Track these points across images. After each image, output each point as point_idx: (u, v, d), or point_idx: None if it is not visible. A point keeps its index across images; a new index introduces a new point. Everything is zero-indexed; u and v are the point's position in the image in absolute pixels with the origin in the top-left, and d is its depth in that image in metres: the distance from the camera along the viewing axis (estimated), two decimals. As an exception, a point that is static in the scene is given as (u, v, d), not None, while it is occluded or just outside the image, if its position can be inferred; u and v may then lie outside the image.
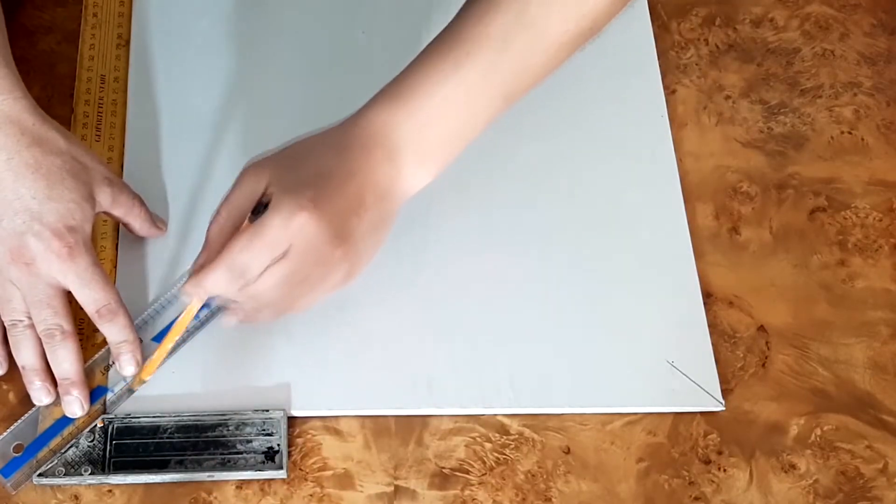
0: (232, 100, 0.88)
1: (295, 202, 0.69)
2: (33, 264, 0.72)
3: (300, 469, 0.74)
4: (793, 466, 0.76)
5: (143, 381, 0.75)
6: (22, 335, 0.74)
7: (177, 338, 0.75)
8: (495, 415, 0.77)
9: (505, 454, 0.76)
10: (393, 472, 0.75)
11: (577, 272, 0.82)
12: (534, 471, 0.75)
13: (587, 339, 0.79)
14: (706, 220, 0.86)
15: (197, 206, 0.83)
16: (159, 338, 0.76)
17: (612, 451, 0.76)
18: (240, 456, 0.74)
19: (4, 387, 0.76)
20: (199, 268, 0.71)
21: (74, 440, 0.73)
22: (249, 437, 0.74)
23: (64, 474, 0.72)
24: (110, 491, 0.73)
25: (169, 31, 0.91)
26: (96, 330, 0.75)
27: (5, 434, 0.73)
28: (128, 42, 0.90)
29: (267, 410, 0.75)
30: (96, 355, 0.76)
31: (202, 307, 0.73)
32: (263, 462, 0.74)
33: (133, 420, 0.74)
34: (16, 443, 0.73)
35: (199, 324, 0.77)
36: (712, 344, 0.80)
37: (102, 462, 0.73)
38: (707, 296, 0.82)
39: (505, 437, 0.76)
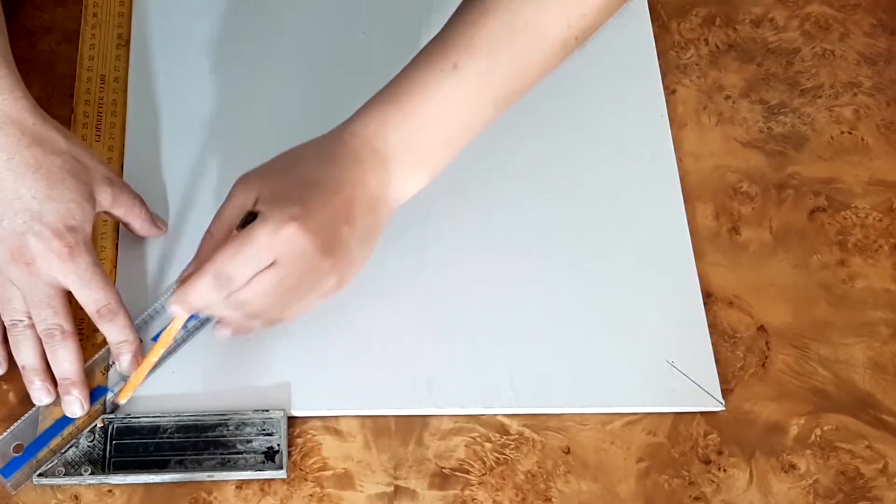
0: (232, 100, 0.88)
1: (283, 213, 0.68)
2: (33, 264, 0.72)
3: (300, 469, 0.74)
4: (793, 466, 0.76)
5: (126, 397, 0.75)
6: (22, 335, 0.74)
7: (162, 351, 0.75)
8: (495, 415, 0.77)
9: (505, 454, 0.76)
10: (393, 472, 0.75)
11: (577, 272, 0.82)
12: (534, 471, 0.75)
13: (587, 339, 0.79)
14: (706, 220, 0.86)
15: (197, 206, 0.83)
16: (159, 338, 0.76)
17: (612, 451, 0.76)
18: (240, 456, 0.74)
19: (4, 387, 0.76)
20: (185, 279, 0.71)
21: (74, 440, 0.73)
22: (249, 437, 0.74)
23: (64, 474, 0.72)
24: (110, 491, 0.73)
25: (169, 31, 0.91)
26: (96, 330, 0.75)
27: (5, 434, 0.73)
28: (128, 42, 0.90)
29: (267, 410, 0.75)
30: (96, 355, 0.76)
31: (190, 318, 0.73)
32: (263, 462, 0.74)
33: (133, 420, 0.74)
34: (16, 443, 0.73)
35: (186, 335, 0.77)
36: (712, 344, 0.80)
37: (102, 462, 0.73)
38: (707, 296, 0.82)
39: (505, 437, 0.76)
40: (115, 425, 0.74)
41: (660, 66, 0.92)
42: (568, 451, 0.76)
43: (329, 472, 0.74)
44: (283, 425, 0.74)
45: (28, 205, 0.72)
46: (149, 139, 0.86)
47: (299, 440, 0.75)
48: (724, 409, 0.78)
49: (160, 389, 0.76)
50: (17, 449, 0.73)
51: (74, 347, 0.74)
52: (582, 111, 0.89)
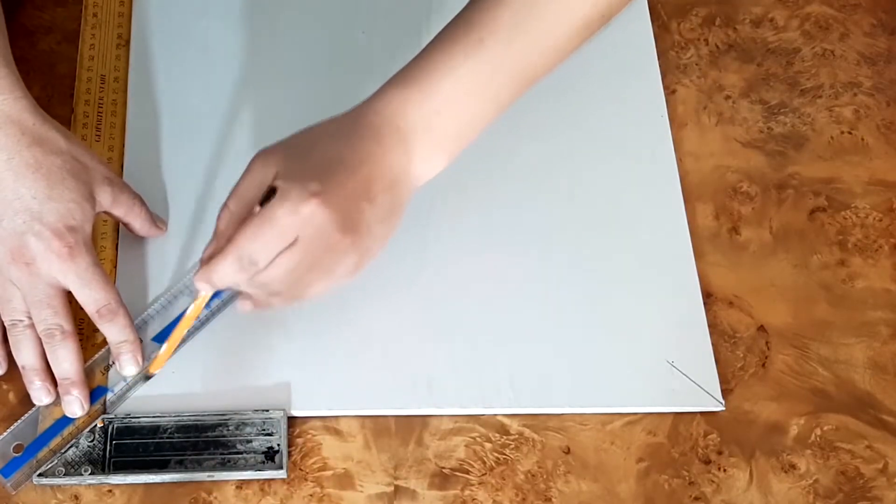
0: (232, 100, 0.88)
1: (303, 191, 0.68)
2: (33, 264, 0.72)
3: (300, 469, 0.74)
4: (793, 466, 0.76)
5: (151, 375, 0.75)
6: (22, 335, 0.74)
7: (187, 329, 0.75)
8: (495, 415, 0.77)
9: (505, 454, 0.76)
10: (393, 472, 0.75)
11: (577, 272, 0.82)
12: (534, 471, 0.75)
13: (587, 339, 0.79)
14: (706, 220, 0.86)
15: (197, 206, 0.83)
16: (159, 338, 0.76)
17: (612, 451, 0.76)
18: (240, 456, 0.74)
19: (4, 387, 0.76)
20: (209, 258, 0.70)
21: (74, 440, 0.73)
22: (249, 437, 0.74)
23: (64, 474, 0.72)
24: (110, 491, 0.73)
25: (169, 31, 0.92)
26: (96, 330, 0.75)
27: (5, 434, 0.73)
28: (128, 42, 0.91)
29: (267, 410, 0.75)
30: (96, 355, 0.76)
31: (212, 297, 0.73)
32: (263, 462, 0.74)
33: (133, 420, 0.74)
34: (16, 443, 0.73)
35: (210, 314, 0.77)
36: (712, 344, 0.80)
37: (102, 462, 0.73)
38: (707, 296, 0.82)
39: (505, 437, 0.76)
40: (115, 425, 0.74)
41: (660, 66, 0.92)
42: (568, 451, 0.76)
43: (329, 472, 0.74)
44: (283, 425, 0.74)
45: (28, 205, 0.72)
46: (149, 139, 0.86)
47: (299, 440, 0.75)
48: (724, 409, 0.78)
49: (160, 389, 0.76)
50: (17, 449, 0.73)
51: (74, 347, 0.74)
52: (582, 111, 0.89)
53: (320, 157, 0.70)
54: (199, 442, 0.74)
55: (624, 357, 0.79)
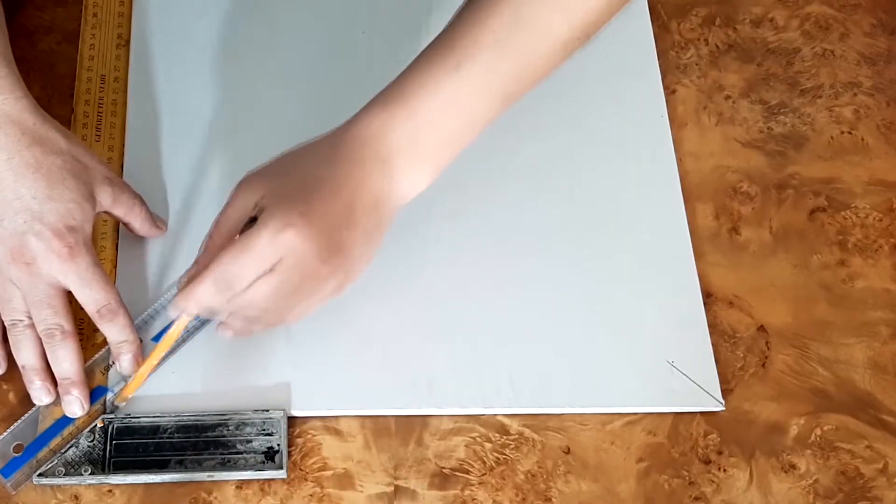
0: (232, 100, 0.88)
1: (284, 216, 0.68)
2: (34, 264, 0.72)
3: (300, 469, 0.74)
4: (793, 466, 0.76)
5: (126, 399, 0.75)
6: (22, 335, 0.74)
7: (163, 353, 0.75)
8: (495, 415, 0.77)
9: (505, 454, 0.76)
10: (393, 472, 0.75)
11: (577, 272, 0.82)
12: (534, 471, 0.75)
13: (587, 339, 0.79)
14: (706, 220, 0.86)
15: (197, 206, 0.83)
16: (159, 338, 0.76)
17: (612, 451, 0.76)
18: (240, 456, 0.74)
19: (4, 387, 0.76)
20: (186, 283, 0.71)
21: (74, 440, 0.73)
22: (249, 437, 0.74)
23: (64, 474, 0.72)
24: (110, 491, 0.73)
25: (169, 31, 0.91)
26: (96, 330, 0.75)
27: (5, 434, 0.73)
28: (128, 42, 0.90)
29: (267, 410, 0.75)
30: (96, 355, 0.76)
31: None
32: (263, 462, 0.74)
33: (133, 420, 0.74)
34: (16, 443, 0.73)
35: (186, 335, 0.77)
36: (712, 344, 0.80)
37: (102, 462, 0.73)
38: (707, 296, 0.82)
39: (505, 437, 0.76)
40: (115, 425, 0.74)
41: (660, 66, 0.92)
42: (568, 451, 0.76)
43: (329, 472, 0.74)
44: (283, 425, 0.74)
45: (28, 205, 0.72)
46: (149, 139, 0.86)
47: (299, 440, 0.75)
48: (724, 409, 0.78)
49: (160, 389, 0.76)
50: (17, 449, 0.73)
51: (74, 347, 0.74)
52: (582, 111, 0.89)
53: (301, 182, 0.71)
54: (199, 442, 0.74)
55: (624, 357, 0.79)
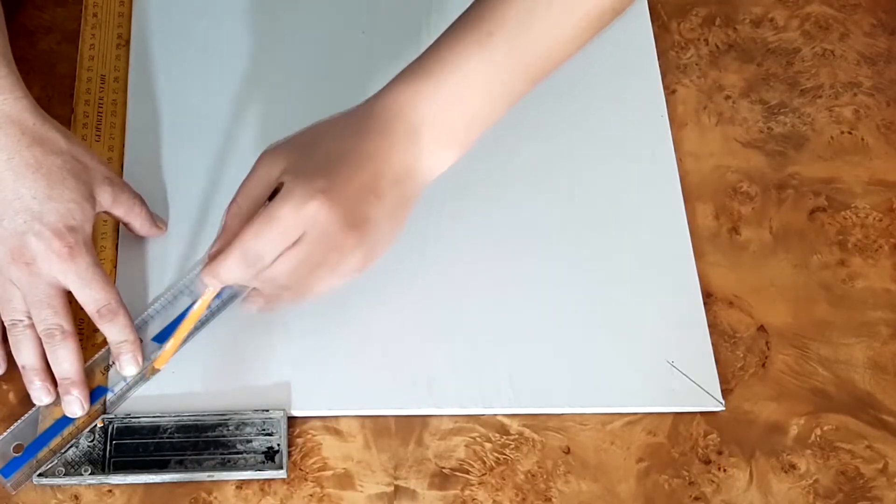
0: (232, 99, 0.88)
1: (307, 188, 0.68)
2: (34, 264, 0.72)
3: (300, 469, 0.74)
4: (793, 466, 0.76)
5: (157, 371, 0.75)
6: (22, 335, 0.74)
7: (192, 326, 0.75)
8: (495, 415, 0.77)
9: (505, 454, 0.76)
10: (393, 472, 0.75)
11: (577, 272, 0.82)
12: (534, 471, 0.75)
13: (587, 339, 0.79)
14: (706, 220, 0.86)
15: (197, 206, 0.83)
16: (159, 338, 0.76)
17: (612, 451, 0.76)
18: (240, 456, 0.74)
19: (4, 387, 0.76)
20: (216, 254, 0.70)
21: (74, 440, 0.73)
22: (249, 437, 0.74)
23: (64, 474, 0.72)
24: (110, 491, 0.73)
25: (169, 31, 0.92)
26: (96, 330, 0.75)
27: (5, 434, 0.73)
28: (128, 42, 0.91)
29: (267, 410, 0.75)
30: (96, 355, 0.76)
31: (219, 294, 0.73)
32: (263, 462, 0.74)
33: (133, 420, 0.74)
34: (16, 443, 0.73)
35: (210, 314, 0.77)
36: (712, 344, 0.80)
37: (102, 462, 0.73)
38: (707, 296, 0.82)
39: (505, 437, 0.76)
40: (115, 425, 0.74)
41: (660, 66, 0.92)
42: (568, 451, 0.76)
43: (329, 472, 0.74)
44: (283, 425, 0.74)
45: (28, 205, 0.72)
46: (149, 139, 0.86)
47: (299, 440, 0.75)
48: (724, 409, 0.78)
49: (160, 389, 0.76)
50: (17, 449, 0.73)
51: (74, 347, 0.74)
52: (582, 111, 0.89)
53: (326, 154, 0.70)
54: (199, 442, 0.74)
55: (624, 357, 0.79)
